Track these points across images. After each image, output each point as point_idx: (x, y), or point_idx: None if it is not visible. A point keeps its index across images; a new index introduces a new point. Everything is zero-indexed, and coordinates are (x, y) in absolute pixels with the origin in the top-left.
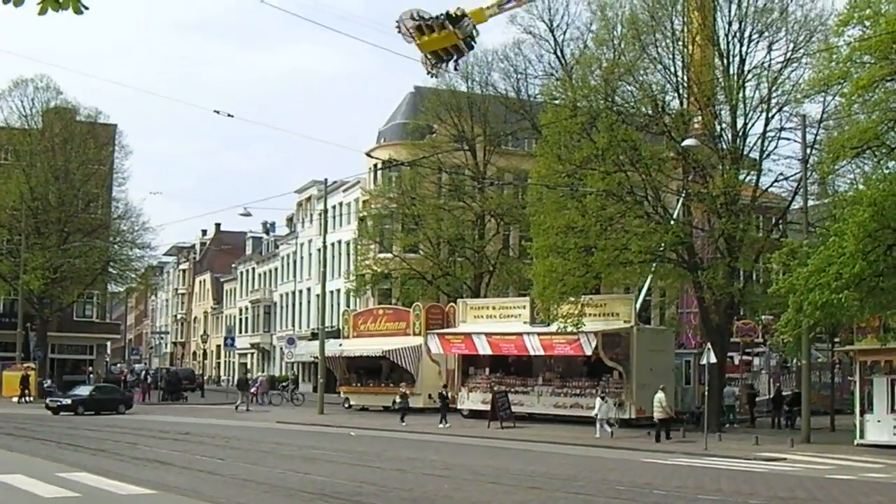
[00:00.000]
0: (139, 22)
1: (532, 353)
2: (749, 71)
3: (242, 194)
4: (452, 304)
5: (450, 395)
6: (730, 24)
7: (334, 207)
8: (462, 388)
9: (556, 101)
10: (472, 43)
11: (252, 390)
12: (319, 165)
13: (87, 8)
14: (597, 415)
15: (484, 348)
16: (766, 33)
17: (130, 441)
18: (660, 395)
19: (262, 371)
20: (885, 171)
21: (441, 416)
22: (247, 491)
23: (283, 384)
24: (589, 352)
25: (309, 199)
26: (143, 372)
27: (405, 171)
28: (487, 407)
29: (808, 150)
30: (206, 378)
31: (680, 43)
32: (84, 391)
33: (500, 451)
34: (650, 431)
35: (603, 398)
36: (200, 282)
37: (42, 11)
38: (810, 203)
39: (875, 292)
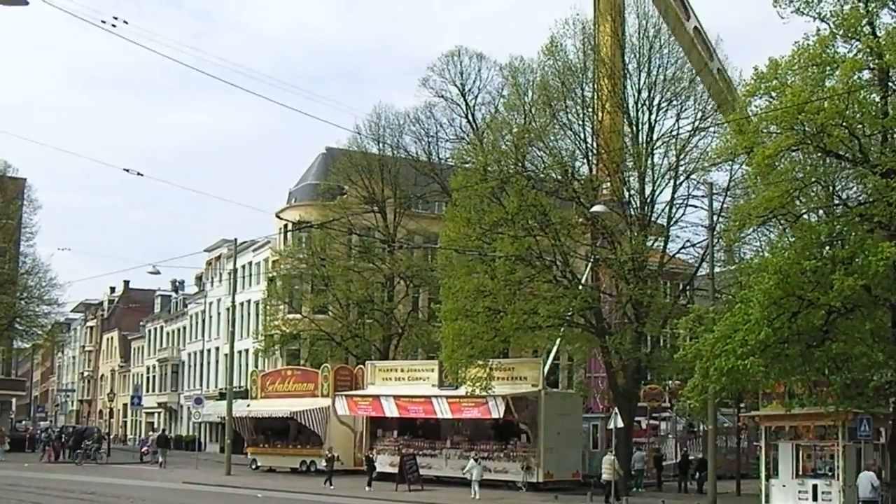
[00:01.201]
0: (46, 77)
1: (440, 415)
2: (658, 139)
3: (152, 252)
4: (361, 365)
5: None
6: (639, 91)
7: (244, 267)
8: (370, 450)
9: (467, 165)
10: None
11: (143, 449)
12: (230, 224)
13: None
14: (471, 475)
15: (392, 411)
16: (675, 102)
17: (35, 500)
18: (610, 457)
19: (167, 430)
20: (789, 239)
21: (368, 480)
22: None
23: (87, 442)
24: (497, 415)
25: (219, 257)
26: (57, 430)
27: (315, 232)
28: (395, 469)
29: (715, 218)
30: (112, 437)
31: (590, 109)
32: None
33: None
34: (557, 495)
35: (476, 459)
36: (108, 339)
37: None
38: (717, 270)
39: (780, 359)
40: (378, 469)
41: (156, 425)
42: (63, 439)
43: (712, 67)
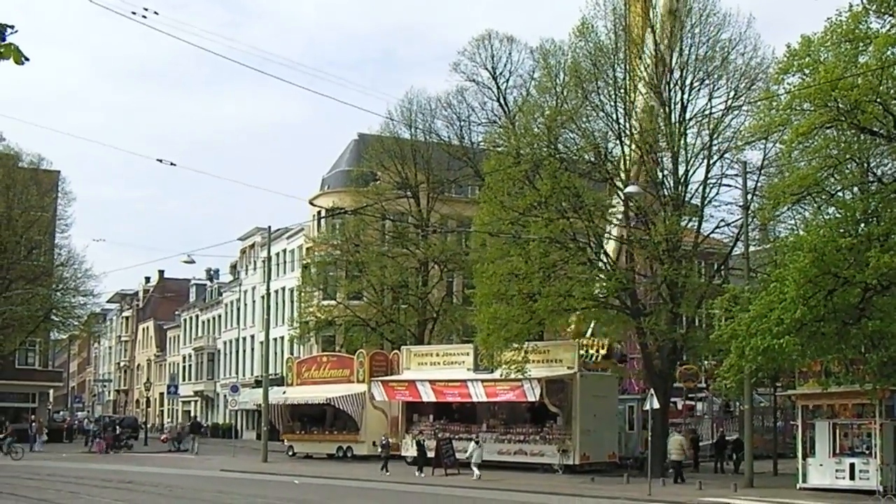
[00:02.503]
0: (82, 70)
1: (476, 399)
2: (691, 118)
3: (186, 241)
4: (396, 351)
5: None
6: (671, 71)
7: (278, 254)
8: (406, 435)
9: (499, 149)
10: None
11: (162, 437)
12: (263, 212)
13: (28, 59)
14: (471, 457)
15: (428, 395)
16: (708, 81)
17: (72, 490)
18: (678, 437)
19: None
20: (825, 217)
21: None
22: None
23: (118, 429)
24: (533, 398)
25: (253, 246)
26: (107, 420)
27: (349, 219)
28: (432, 454)
29: (750, 197)
30: (149, 426)
31: (622, 91)
32: None
33: (446, 499)
34: (594, 477)
35: (476, 442)
36: (144, 329)
37: None
38: (751, 249)
39: (816, 337)
40: (415, 453)
41: (192, 413)
42: (115, 430)
43: None
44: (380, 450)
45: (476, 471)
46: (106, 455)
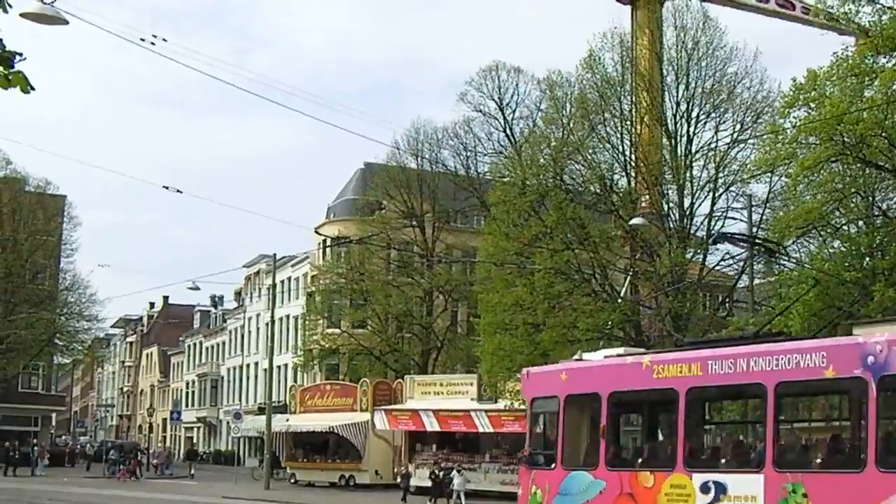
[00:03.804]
0: (87, 95)
1: (481, 429)
2: (696, 151)
3: (191, 268)
4: (400, 380)
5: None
6: (678, 104)
7: (283, 282)
8: (409, 464)
9: (505, 179)
10: None
11: (154, 462)
12: (268, 240)
13: (33, 88)
14: (455, 489)
15: (432, 425)
16: (714, 114)
17: None
18: None
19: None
20: (829, 250)
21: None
22: None
23: (117, 455)
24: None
25: (258, 273)
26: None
27: (354, 247)
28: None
29: (755, 230)
30: (150, 452)
31: (628, 123)
32: None
33: None
34: None
35: (459, 472)
36: (147, 355)
37: None
38: (756, 282)
39: None
40: (418, 483)
41: (194, 440)
42: (137, 456)
43: None
44: (399, 479)
45: (463, 500)
46: (101, 479)
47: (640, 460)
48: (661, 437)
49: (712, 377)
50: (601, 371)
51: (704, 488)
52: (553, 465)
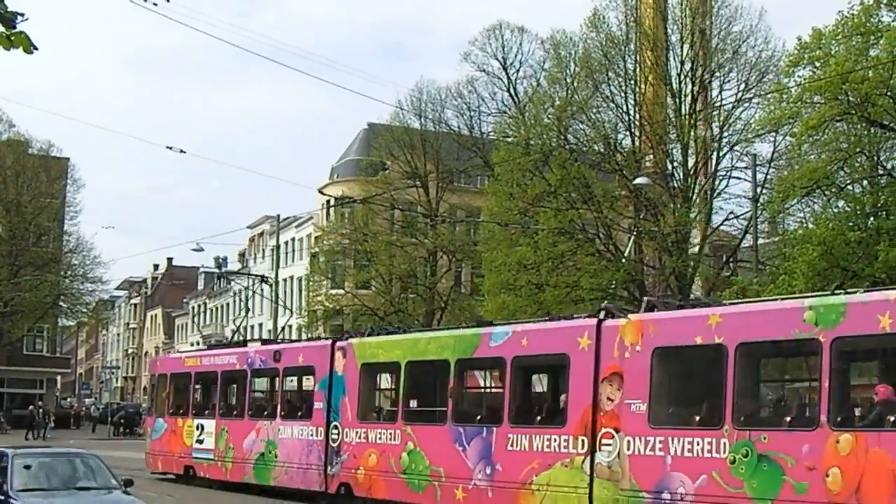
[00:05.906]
0: (92, 57)
1: None
2: (701, 110)
3: (195, 229)
4: None
5: None
6: (682, 63)
7: (287, 243)
8: None
9: (509, 139)
10: None
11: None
12: (272, 201)
13: (36, 48)
14: None
15: None
16: (718, 73)
17: None
18: None
19: None
20: (834, 210)
21: None
22: None
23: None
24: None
25: (262, 234)
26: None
27: (358, 208)
28: None
29: (759, 190)
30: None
31: (632, 82)
32: None
33: None
34: None
35: None
36: (152, 316)
37: None
38: (760, 241)
39: None
40: None
41: None
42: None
43: None
44: None
45: None
46: (109, 440)
47: None
48: None
49: None
50: None
51: None
52: None
